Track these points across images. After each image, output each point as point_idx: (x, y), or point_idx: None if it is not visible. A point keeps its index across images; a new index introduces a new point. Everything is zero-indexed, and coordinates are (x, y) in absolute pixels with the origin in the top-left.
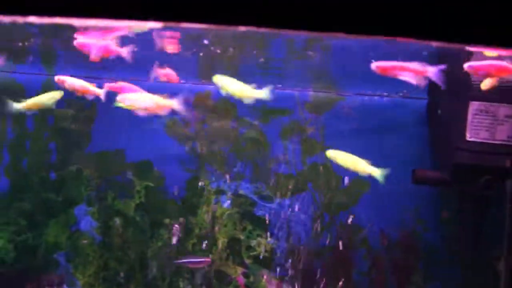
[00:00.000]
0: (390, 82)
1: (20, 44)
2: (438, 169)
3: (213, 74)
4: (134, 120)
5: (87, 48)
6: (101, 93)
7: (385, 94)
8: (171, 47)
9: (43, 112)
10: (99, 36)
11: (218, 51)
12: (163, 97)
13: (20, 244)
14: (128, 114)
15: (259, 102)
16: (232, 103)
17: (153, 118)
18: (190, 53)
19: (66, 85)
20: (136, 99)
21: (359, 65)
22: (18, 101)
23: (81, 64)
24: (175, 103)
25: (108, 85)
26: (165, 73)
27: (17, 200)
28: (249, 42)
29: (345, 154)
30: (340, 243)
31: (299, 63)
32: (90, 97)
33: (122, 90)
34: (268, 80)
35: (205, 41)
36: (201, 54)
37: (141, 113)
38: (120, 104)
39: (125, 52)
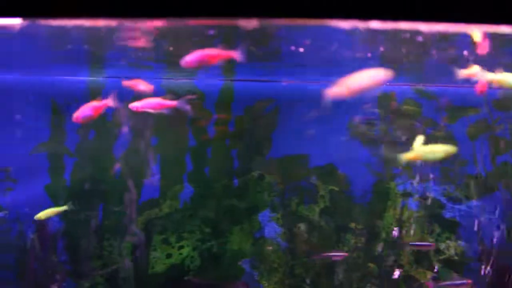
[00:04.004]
0: None
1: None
2: None
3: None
4: (316, 123)
5: None
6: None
7: None
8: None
9: (223, 119)
10: None
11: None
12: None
13: (205, 252)
14: (309, 118)
15: (444, 100)
16: (417, 103)
17: (334, 120)
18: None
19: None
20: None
21: None
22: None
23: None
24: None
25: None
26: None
27: (201, 207)
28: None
29: None
30: None
31: (487, 59)
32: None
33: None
34: (451, 79)
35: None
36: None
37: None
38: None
39: None
